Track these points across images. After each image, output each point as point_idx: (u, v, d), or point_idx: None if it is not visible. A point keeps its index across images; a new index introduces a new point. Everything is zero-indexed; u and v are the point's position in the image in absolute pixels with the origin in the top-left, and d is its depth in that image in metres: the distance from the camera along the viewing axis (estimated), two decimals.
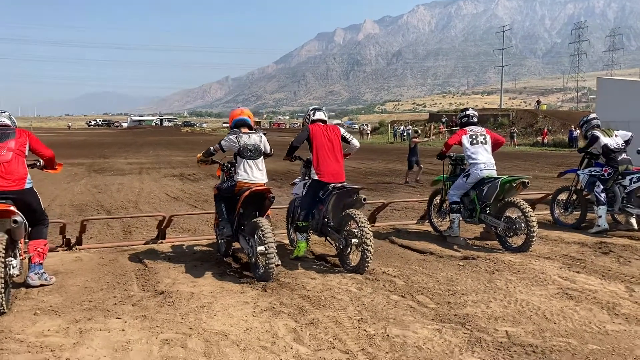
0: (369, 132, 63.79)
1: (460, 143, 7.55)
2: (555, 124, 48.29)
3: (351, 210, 5.92)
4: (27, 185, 5.13)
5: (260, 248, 5.42)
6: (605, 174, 8.43)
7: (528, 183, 7.20)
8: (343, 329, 4.13)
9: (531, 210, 7.03)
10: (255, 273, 5.61)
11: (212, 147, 6.19)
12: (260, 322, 4.27)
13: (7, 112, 5.65)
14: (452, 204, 7.62)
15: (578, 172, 8.98)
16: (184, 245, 7.43)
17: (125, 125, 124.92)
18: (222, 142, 6.07)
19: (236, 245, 6.51)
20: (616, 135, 8.60)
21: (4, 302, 4.40)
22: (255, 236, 5.58)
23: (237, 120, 6.18)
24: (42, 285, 5.27)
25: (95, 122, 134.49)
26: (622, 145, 8.48)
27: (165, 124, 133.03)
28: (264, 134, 6.27)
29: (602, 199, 8.24)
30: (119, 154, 30.84)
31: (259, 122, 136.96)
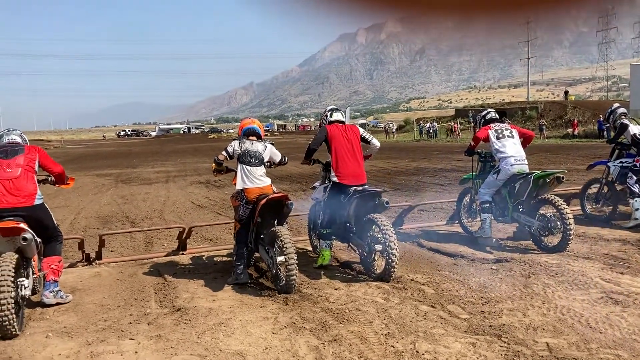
0: (394, 130, 63.21)
1: (487, 138, 7.14)
2: (585, 115, 46.99)
3: (373, 214, 5.66)
4: (37, 202, 5.00)
5: (280, 258, 5.20)
6: (638, 165, 8.01)
7: (563, 178, 6.77)
8: (369, 345, 3.85)
9: (567, 206, 6.63)
10: (277, 285, 5.38)
11: (217, 156, 6.02)
12: (280, 340, 4.02)
13: (19, 130, 5.59)
14: (482, 203, 7.17)
15: (608, 163, 8.59)
16: (204, 255, 7.25)
17: (153, 134, 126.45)
18: (227, 148, 5.93)
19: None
20: None
21: (15, 325, 4.24)
22: (275, 246, 5.38)
23: (246, 129, 6.08)
24: (57, 303, 5.12)
25: (124, 132, 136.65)
26: None
27: (193, 131, 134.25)
28: (272, 144, 6.07)
29: (637, 191, 7.83)
30: (146, 163, 31.05)
31: (285, 125, 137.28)
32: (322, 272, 6.04)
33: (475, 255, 6.59)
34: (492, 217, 7.19)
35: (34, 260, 4.98)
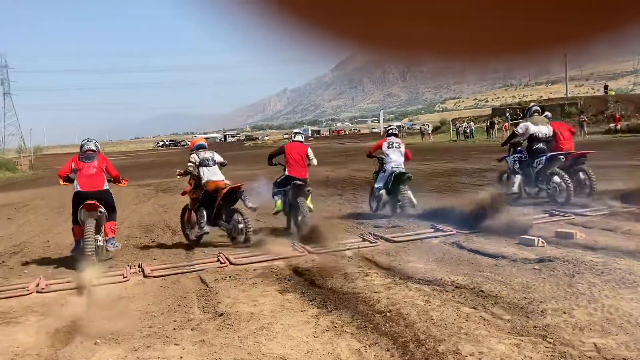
0: (430, 132, 62.53)
1: (381, 147, 10.05)
2: (628, 109, 45.52)
3: (300, 198, 8.60)
4: (105, 187, 7.64)
5: (241, 225, 7.95)
6: (523, 157, 10.31)
7: (411, 177, 9.70)
8: (410, 348, 3.83)
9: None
10: (237, 241, 7.99)
11: (188, 167, 8.45)
12: (322, 344, 4.04)
13: (94, 139, 8.19)
14: (377, 189, 9.90)
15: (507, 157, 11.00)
16: (245, 261, 7.32)
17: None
18: (191, 160, 8.38)
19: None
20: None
21: (95, 259, 7.02)
22: (237, 217, 8.03)
23: (198, 145, 8.68)
24: (114, 249, 7.67)
25: (163, 142, 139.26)
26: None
27: (229, 139, 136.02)
28: (215, 152, 8.67)
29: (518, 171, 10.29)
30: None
31: (319, 130, 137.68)
32: (361, 276, 6.03)
33: (517, 256, 6.48)
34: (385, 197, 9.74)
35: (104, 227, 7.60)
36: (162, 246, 8.99)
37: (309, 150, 9.19)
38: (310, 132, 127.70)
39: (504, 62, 1.17)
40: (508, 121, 50.82)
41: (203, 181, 8.12)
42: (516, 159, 10.19)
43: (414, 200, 9.58)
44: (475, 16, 0.98)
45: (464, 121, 58.77)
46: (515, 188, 10.05)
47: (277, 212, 9.02)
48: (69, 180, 7.60)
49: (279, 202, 8.95)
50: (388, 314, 4.62)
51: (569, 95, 71.05)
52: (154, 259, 7.96)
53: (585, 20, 0.96)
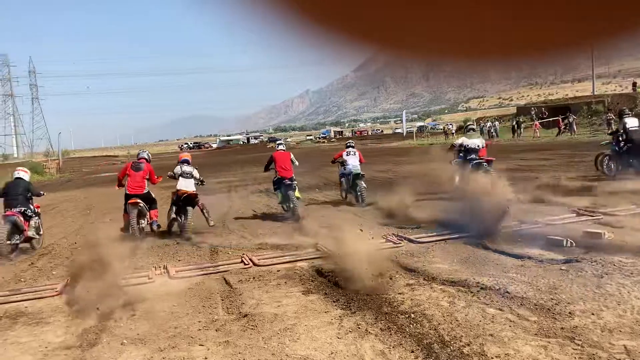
0: (454, 131, 61.94)
1: (342, 156, 13.26)
2: None
3: (289, 192, 11.28)
4: (146, 191, 10.26)
5: (186, 221, 10.16)
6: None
7: (363, 176, 12.73)
8: (435, 349, 3.80)
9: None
10: (183, 236, 9.99)
11: (170, 173, 10.72)
12: (346, 345, 4.03)
13: (147, 151, 11.46)
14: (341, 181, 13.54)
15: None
16: (268, 262, 7.35)
17: (214, 145, 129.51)
18: (175, 170, 10.57)
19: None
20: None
21: (140, 237, 9.62)
22: (188, 215, 10.25)
23: (182, 160, 10.87)
24: (157, 229, 10.40)
25: (186, 145, 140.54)
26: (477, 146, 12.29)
27: (252, 141, 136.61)
28: (196, 168, 10.93)
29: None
30: (209, 174, 31.68)
31: (341, 131, 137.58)
32: (385, 277, 6.01)
33: (543, 256, 6.39)
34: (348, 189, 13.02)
35: (147, 215, 10.27)
36: (186, 247, 9.08)
37: (292, 155, 12.16)
38: (332, 133, 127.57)
39: (529, 60, 1.15)
40: (533, 120, 50.04)
41: (177, 187, 10.39)
42: (459, 159, 12.67)
43: (365, 190, 12.64)
44: (498, 15, 0.97)
45: (488, 120, 58.11)
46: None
47: (280, 202, 11.98)
48: (121, 185, 10.67)
49: (280, 195, 11.85)
50: (412, 315, 4.59)
51: (595, 93, 69.74)
52: (179, 260, 8.05)
53: (613, 15, 0.95)
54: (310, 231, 9.18)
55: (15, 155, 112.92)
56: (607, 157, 13.90)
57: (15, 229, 8.97)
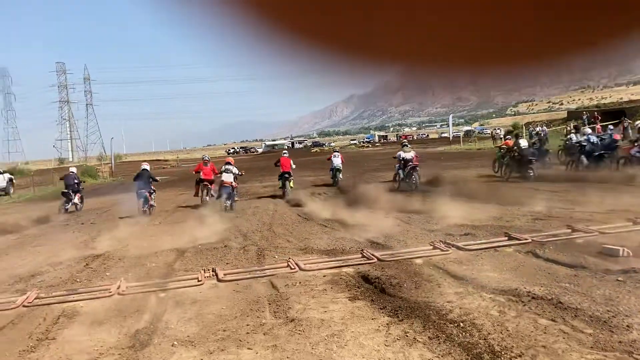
0: (502, 136, 60.61)
1: (331, 158, 20.36)
2: None
3: (285, 182, 17.62)
4: (212, 177, 16.19)
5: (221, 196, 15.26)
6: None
7: (339, 172, 20.19)
8: (485, 359, 3.72)
9: None
10: (225, 209, 14.83)
11: (219, 171, 16.17)
12: (394, 353, 4.00)
13: (207, 155, 18.67)
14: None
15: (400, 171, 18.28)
16: (314, 267, 7.38)
17: (260, 150, 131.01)
18: (221, 168, 15.63)
19: None
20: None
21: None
22: (228, 194, 15.19)
23: (226, 162, 16.00)
24: (212, 197, 15.98)
25: (233, 149, 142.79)
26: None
27: (297, 146, 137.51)
28: (235, 167, 15.80)
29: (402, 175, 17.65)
30: (254, 178, 32.17)
31: (386, 135, 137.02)
32: (433, 285, 5.94)
33: (598, 266, 6.17)
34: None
35: (210, 190, 16.47)
36: (234, 250, 9.22)
37: (291, 161, 18.03)
38: (377, 137, 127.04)
39: (585, 59, 1.12)
40: (585, 125, 48.27)
41: (221, 178, 15.45)
42: (400, 164, 17.57)
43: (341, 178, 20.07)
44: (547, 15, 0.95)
45: (537, 125, 56.60)
46: (397, 180, 17.85)
47: (280, 187, 17.95)
48: (197, 172, 16.61)
49: (280, 182, 17.91)
50: (461, 324, 4.52)
51: None
52: (227, 263, 8.17)
53: None
54: (354, 240, 9.15)
55: (71, 159, 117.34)
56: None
57: (145, 200, 15.63)
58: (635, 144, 16.33)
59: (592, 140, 17.18)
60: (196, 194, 16.76)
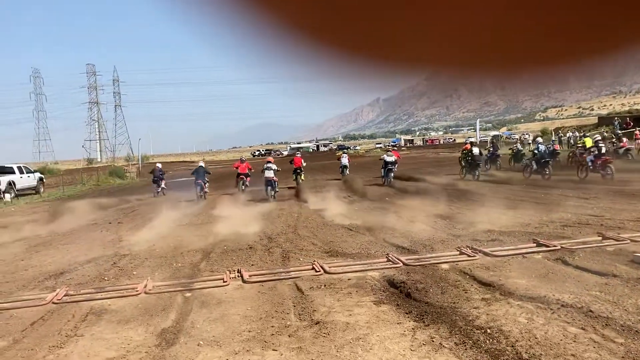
0: (530, 141, 59.69)
1: (340, 158, 27.97)
2: None
3: (297, 175, 23.15)
4: (247, 172, 21.60)
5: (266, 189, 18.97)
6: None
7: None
8: None
9: None
10: (270, 197, 18.88)
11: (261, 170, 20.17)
12: (419, 358, 3.97)
13: (243, 157, 25.90)
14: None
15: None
16: (339, 270, 7.36)
17: (285, 153, 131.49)
18: (263, 167, 19.40)
19: None
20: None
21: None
22: (273, 187, 19.23)
23: (267, 161, 19.46)
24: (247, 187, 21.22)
25: (259, 152, 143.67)
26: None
27: (321, 149, 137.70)
28: (274, 164, 19.12)
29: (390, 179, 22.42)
30: (280, 180, 32.33)
31: (412, 140, 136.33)
32: (459, 290, 5.87)
33: (630, 274, 6.03)
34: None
35: (246, 182, 22.00)
36: (258, 252, 9.26)
37: (302, 159, 22.85)
38: (402, 141, 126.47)
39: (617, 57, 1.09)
40: (616, 130, 47.29)
41: (264, 175, 18.75)
42: (383, 167, 22.04)
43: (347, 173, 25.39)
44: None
45: (567, 130, 55.66)
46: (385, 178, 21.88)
47: (294, 179, 22.60)
48: (236, 168, 21.42)
49: (294, 176, 22.60)
50: (488, 331, 4.45)
51: None
52: (252, 265, 8.21)
53: None
54: (379, 244, 9.11)
55: (99, 160, 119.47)
56: None
57: (201, 188, 20.18)
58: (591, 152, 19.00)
59: (540, 149, 20.37)
60: (236, 185, 21.97)
